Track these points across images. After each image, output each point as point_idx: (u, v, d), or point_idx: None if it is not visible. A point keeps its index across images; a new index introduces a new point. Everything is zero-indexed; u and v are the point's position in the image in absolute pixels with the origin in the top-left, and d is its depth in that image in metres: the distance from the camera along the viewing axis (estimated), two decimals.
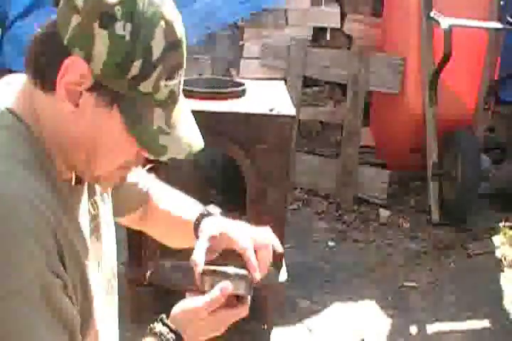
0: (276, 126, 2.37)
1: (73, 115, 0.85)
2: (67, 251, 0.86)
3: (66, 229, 0.87)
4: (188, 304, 0.99)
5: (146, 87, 0.83)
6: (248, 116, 2.38)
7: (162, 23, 0.83)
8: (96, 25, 0.80)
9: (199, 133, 0.93)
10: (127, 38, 0.81)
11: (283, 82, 3.01)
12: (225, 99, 2.48)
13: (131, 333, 1.79)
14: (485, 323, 3.04)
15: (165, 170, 2.36)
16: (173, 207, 1.26)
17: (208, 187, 2.84)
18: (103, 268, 1.05)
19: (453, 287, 3.31)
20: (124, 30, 0.81)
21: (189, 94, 2.43)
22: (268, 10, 4.25)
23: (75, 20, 0.81)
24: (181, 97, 0.91)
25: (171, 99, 0.87)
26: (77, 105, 0.84)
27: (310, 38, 4.33)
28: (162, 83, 0.84)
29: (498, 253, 3.60)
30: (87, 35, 0.81)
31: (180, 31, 0.86)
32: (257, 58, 4.24)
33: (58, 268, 0.84)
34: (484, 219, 3.89)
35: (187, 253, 1.06)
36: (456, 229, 3.79)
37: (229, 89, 2.56)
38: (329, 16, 4.36)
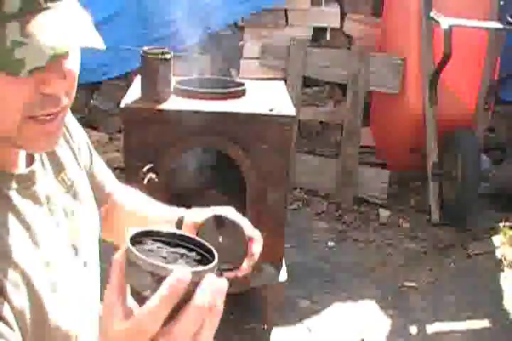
0: (276, 126, 2.37)
1: None
2: None
3: None
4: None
5: None
6: (248, 116, 2.37)
7: None
8: None
9: (79, 30, 0.79)
10: None
11: (283, 82, 3.00)
12: (225, 99, 2.48)
13: None
14: (485, 323, 3.04)
15: (165, 171, 2.36)
16: (147, 208, 1.24)
17: (208, 187, 2.84)
18: (81, 249, 1.01)
19: (453, 287, 3.31)
20: None
21: (189, 94, 2.43)
22: (268, 10, 4.25)
23: None
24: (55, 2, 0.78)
25: (29, 7, 0.75)
26: None
27: (310, 38, 4.34)
28: None
29: (498, 253, 3.60)
30: None
31: None
32: (257, 58, 4.24)
33: None
34: (484, 219, 3.89)
35: None
36: (456, 229, 3.80)
37: (229, 89, 2.55)
38: (329, 16, 4.36)
